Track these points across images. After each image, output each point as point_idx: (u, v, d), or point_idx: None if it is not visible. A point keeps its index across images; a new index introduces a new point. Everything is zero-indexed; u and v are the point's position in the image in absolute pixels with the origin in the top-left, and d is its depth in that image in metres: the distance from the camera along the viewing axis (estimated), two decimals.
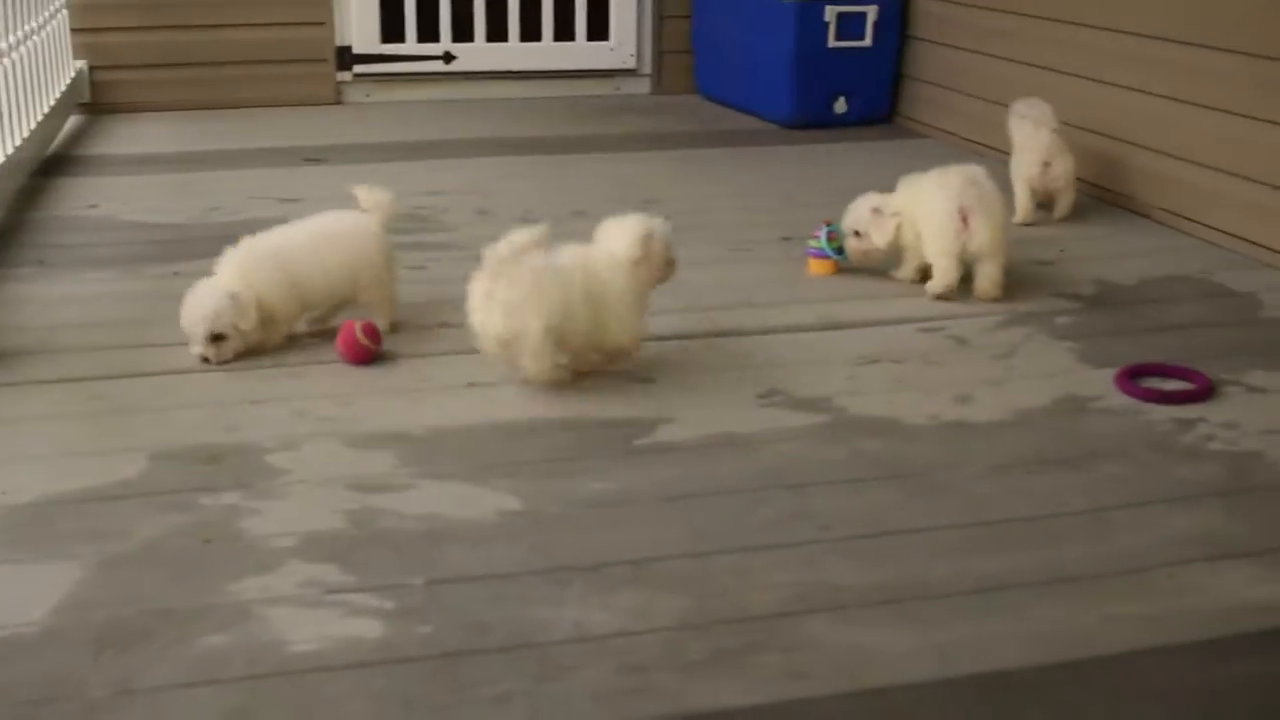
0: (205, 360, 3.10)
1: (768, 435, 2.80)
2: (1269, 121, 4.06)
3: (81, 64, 6.10)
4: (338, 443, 2.74)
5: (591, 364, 3.07)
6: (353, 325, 3.16)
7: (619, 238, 3.08)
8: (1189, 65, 4.40)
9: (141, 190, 4.78)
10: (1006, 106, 5.16)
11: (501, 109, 6.50)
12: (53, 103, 5.32)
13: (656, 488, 2.56)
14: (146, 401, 2.93)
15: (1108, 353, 3.31)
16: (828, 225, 3.88)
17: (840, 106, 6.09)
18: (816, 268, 3.92)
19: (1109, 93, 4.80)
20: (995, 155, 5.28)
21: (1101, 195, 4.80)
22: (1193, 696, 1.99)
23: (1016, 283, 3.77)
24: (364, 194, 3.36)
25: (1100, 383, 3.13)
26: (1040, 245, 4.23)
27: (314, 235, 3.28)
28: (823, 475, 2.62)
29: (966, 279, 3.67)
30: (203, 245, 3.67)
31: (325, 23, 6.44)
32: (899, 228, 3.72)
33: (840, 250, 3.88)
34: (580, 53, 6.85)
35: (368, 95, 6.60)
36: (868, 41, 5.99)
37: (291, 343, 3.27)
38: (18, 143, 4.58)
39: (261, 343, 3.18)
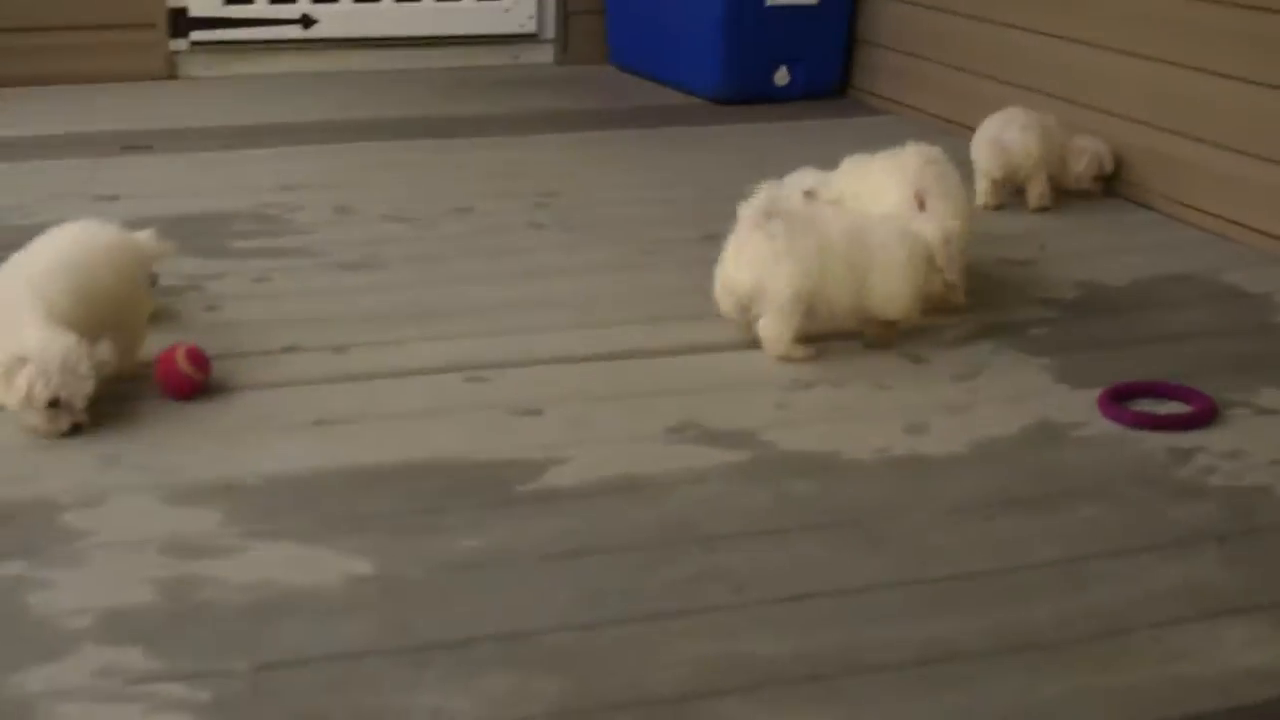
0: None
1: (677, 477, 2.80)
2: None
3: None
4: (152, 496, 2.71)
5: (874, 335, 3.43)
6: (175, 351, 3.13)
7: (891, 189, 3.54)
8: (1193, 22, 4.47)
9: None
10: (982, 76, 5.22)
11: (372, 84, 6.48)
12: None
13: (539, 544, 2.55)
14: None
15: (1091, 370, 3.35)
16: None
17: (781, 77, 6.13)
18: None
19: (1101, 57, 4.86)
20: (965, 133, 5.33)
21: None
22: None
23: (985, 286, 3.81)
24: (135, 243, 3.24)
25: (1081, 406, 3.16)
26: (1016, 241, 4.28)
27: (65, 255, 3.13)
28: (741, 525, 2.63)
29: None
30: None
31: None
32: None
33: None
34: (469, 14, 6.86)
35: (208, 68, 6.56)
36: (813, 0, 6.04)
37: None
38: None
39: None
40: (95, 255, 3.13)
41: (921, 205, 3.61)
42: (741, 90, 6.09)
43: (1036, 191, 4.55)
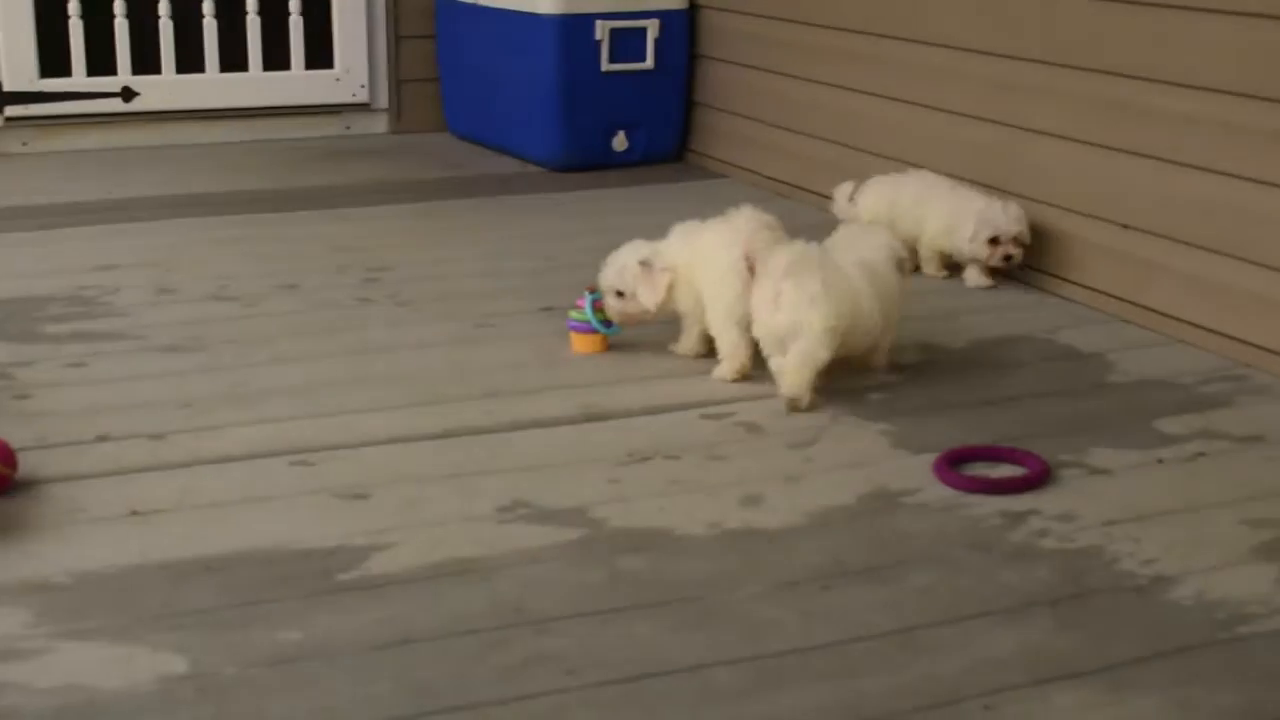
0: None
1: (507, 559, 2.81)
2: (1122, 150, 4.26)
3: None
4: None
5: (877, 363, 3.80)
6: None
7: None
8: (1028, 85, 4.61)
9: None
10: (816, 138, 5.33)
11: (198, 157, 6.44)
12: None
13: (363, 635, 2.53)
14: None
15: (928, 435, 3.41)
16: (591, 293, 3.93)
17: (619, 143, 6.20)
18: (580, 345, 3.97)
19: (932, 119, 4.99)
20: (805, 197, 5.43)
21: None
22: None
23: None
24: None
25: (917, 472, 3.22)
26: None
27: None
28: (573, 606, 2.63)
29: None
30: None
31: None
32: (672, 287, 3.78)
33: (609, 323, 3.93)
34: (298, 84, 6.85)
35: (24, 144, 6.48)
36: (649, 63, 6.13)
37: None
38: None
39: None
40: None
41: (752, 270, 3.66)
42: (580, 157, 6.15)
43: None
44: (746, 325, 3.69)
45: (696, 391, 3.68)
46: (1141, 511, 3.04)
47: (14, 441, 3.13)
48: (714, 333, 3.75)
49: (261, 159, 6.43)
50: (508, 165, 6.35)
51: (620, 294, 3.83)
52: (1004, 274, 4.58)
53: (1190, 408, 3.61)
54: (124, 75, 6.59)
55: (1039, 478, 3.17)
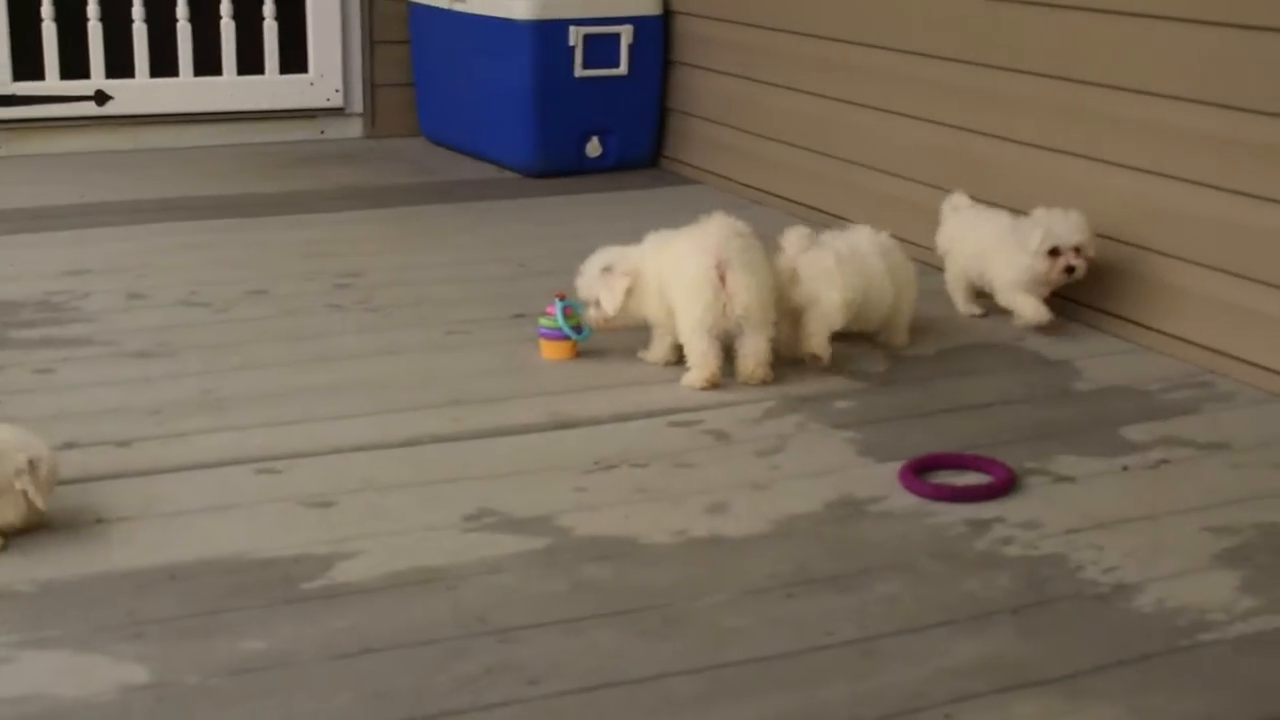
0: None
1: (472, 568, 2.80)
2: (1090, 158, 4.27)
3: None
4: None
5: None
6: None
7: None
8: (987, 92, 4.62)
9: None
10: (790, 145, 5.34)
11: (171, 161, 6.43)
12: None
13: (326, 644, 2.53)
14: None
15: (894, 443, 3.42)
16: (562, 299, 3.93)
17: (593, 149, 6.20)
18: (551, 352, 3.97)
19: (900, 125, 5.00)
20: (778, 203, 5.44)
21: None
22: None
23: (790, 361, 3.87)
24: None
25: (883, 480, 3.23)
26: None
27: None
28: (536, 615, 2.63)
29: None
30: None
31: None
32: (631, 293, 3.79)
33: (579, 329, 3.93)
34: (273, 89, 6.84)
35: None
36: (623, 69, 6.13)
37: None
38: None
39: None
40: None
41: (723, 278, 3.66)
42: (554, 163, 6.15)
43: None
44: (717, 333, 3.70)
45: (665, 399, 3.68)
46: (1105, 519, 3.05)
47: None
48: (683, 340, 3.75)
49: (235, 163, 6.42)
50: (482, 170, 6.35)
51: (598, 303, 3.84)
52: (1059, 297, 4.22)
53: (1155, 415, 3.63)
54: (97, 78, 6.57)
55: (1004, 485, 3.18)
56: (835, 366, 3.87)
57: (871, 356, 4.00)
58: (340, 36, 6.86)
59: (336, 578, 2.76)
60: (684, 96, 6.25)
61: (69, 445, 3.33)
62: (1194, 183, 3.97)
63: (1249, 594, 2.75)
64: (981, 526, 3.02)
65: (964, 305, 4.38)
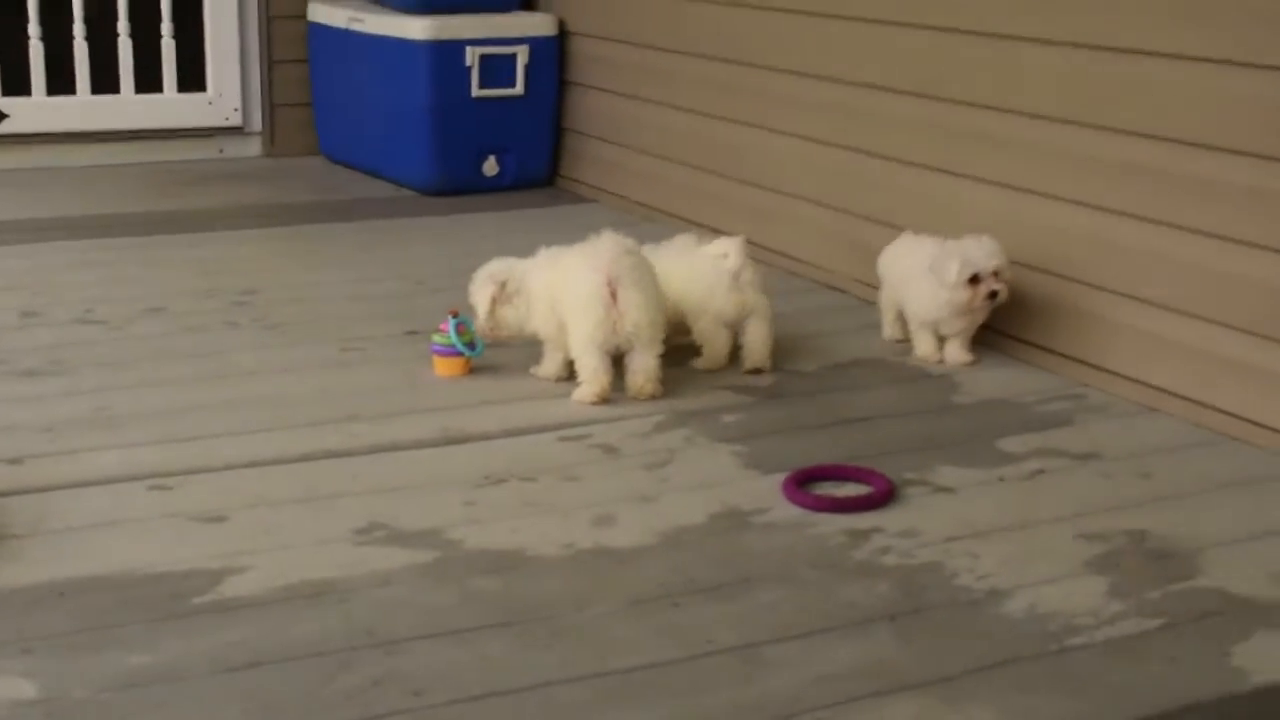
0: None
1: (361, 581, 2.80)
2: (971, 178, 4.34)
3: None
4: None
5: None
6: None
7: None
8: (869, 110, 4.69)
9: None
10: (681, 164, 5.38)
11: (68, 181, 6.36)
12: None
13: (213, 657, 2.52)
14: None
15: (778, 455, 3.46)
16: (455, 316, 3.94)
17: (490, 168, 6.21)
18: (444, 368, 3.97)
19: (789, 144, 5.05)
20: (671, 221, 5.48)
21: (784, 265, 5.02)
22: None
23: (679, 375, 3.91)
24: None
25: (766, 492, 3.26)
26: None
27: None
28: (423, 627, 2.64)
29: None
30: None
31: None
32: (508, 302, 3.83)
33: (472, 344, 3.94)
34: (171, 107, 6.79)
35: None
36: (519, 89, 6.15)
37: None
38: None
39: None
40: None
41: (614, 295, 3.69)
42: (451, 181, 6.15)
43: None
44: (608, 349, 3.72)
45: (555, 414, 3.70)
46: (981, 528, 3.11)
47: None
48: (575, 356, 3.77)
49: (132, 183, 6.36)
50: (380, 189, 6.34)
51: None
52: (986, 326, 4.14)
53: (1031, 426, 3.69)
54: None
55: (884, 496, 3.22)
56: (721, 380, 3.92)
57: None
58: (239, 55, 6.81)
59: (226, 592, 2.75)
60: (579, 116, 6.28)
61: None
62: (1059, 198, 4.04)
63: (1117, 599, 2.81)
64: (861, 536, 3.06)
65: (888, 329, 4.32)
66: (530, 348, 3.94)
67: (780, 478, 3.30)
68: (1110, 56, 3.87)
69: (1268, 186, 3.51)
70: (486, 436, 3.56)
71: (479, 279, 3.89)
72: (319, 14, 6.67)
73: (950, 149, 4.40)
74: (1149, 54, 3.77)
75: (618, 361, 3.79)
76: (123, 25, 6.62)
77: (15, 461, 3.33)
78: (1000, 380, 4.02)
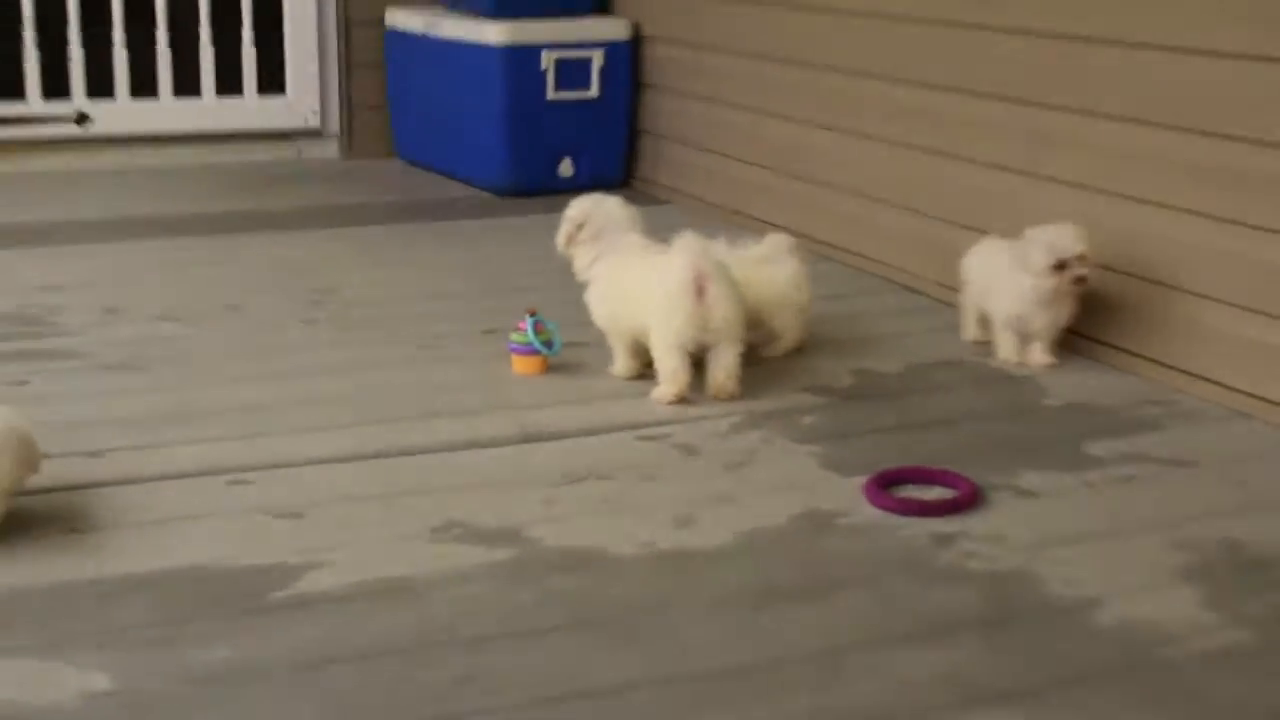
0: None
1: (440, 578, 2.74)
2: (1044, 177, 4.25)
3: None
4: None
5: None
6: None
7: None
8: (951, 114, 4.59)
9: None
10: (756, 165, 5.30)
11: (151, 181, 6.36)
12: None
13: (292, 653, 2.46)
14: None
15: (860, 457, 3.37)
16: (532, 315, 3.88)
17: (566, 170, 6.16)
18: (522, 366, 3.91)
19: (866, 147, 4.97)
20: (746, 223, 5.40)
21: (860, 265, 4.94)
22: None
23: (757, 375, 3.83)
24: None
25: (848, 494, 3.18)
26: None
27: None
28: (502, 626, 2.57)
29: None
30: None
31: None
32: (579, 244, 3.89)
33: (550, 344, 3.88)
34: (250, 110, 6.79)
35: None
36: (594, 92, 6.09)
37: None
38: None
39: None
40: None
41: (702, 292, 3.60)
42: (526, 183, 6.10)
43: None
44: (692, 347, 3.65)
45: (633, 413, 3.63)
46: (1068, 534, 3.01)
47: None
48: (656, 355, 3.69)
49: (212, 183, 6.36)
50: (456, 191, 6.30)
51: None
52: (1070, 330, 4.05)
53: (1119, 431, 3.58)
54: (79, 99, 6.51)
55: (969, 500, 3.13)
56: (798, 381, 3.84)
57: (836, 372, 3.95)
58: (317, 58, 6.81)
59: (303, 588, 2.70)
60: (653, 118, 6.22)
61: (45, 456, 3.25)
62: (1144, 200, 3.93)
63: (1210, 610, 2.70)
64: (945, 541, 2.96)
65: (970, 331, 4.22)
66: (609, 348, 3.87)
67: (861, 480, 3.21)
68: (1205, 60, 3.77)
69: None
70: (564, 435, 3.49)
71: (565, 213, 3.96)
72: (396, 19, 6.65)
73: (1032, 151, 4.30)
74: (1226, 56, 3.67)
75: (696, 363, 3.71)
76: (205, 29, 6.61)
77: (95, 455, 3.29)
78: (1085, 384, 3.91)
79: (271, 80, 6.80)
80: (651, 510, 3.08)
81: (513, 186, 6.10)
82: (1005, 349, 4.05)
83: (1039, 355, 4.02)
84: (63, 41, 6.44)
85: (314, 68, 6.81)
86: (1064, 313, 3.99)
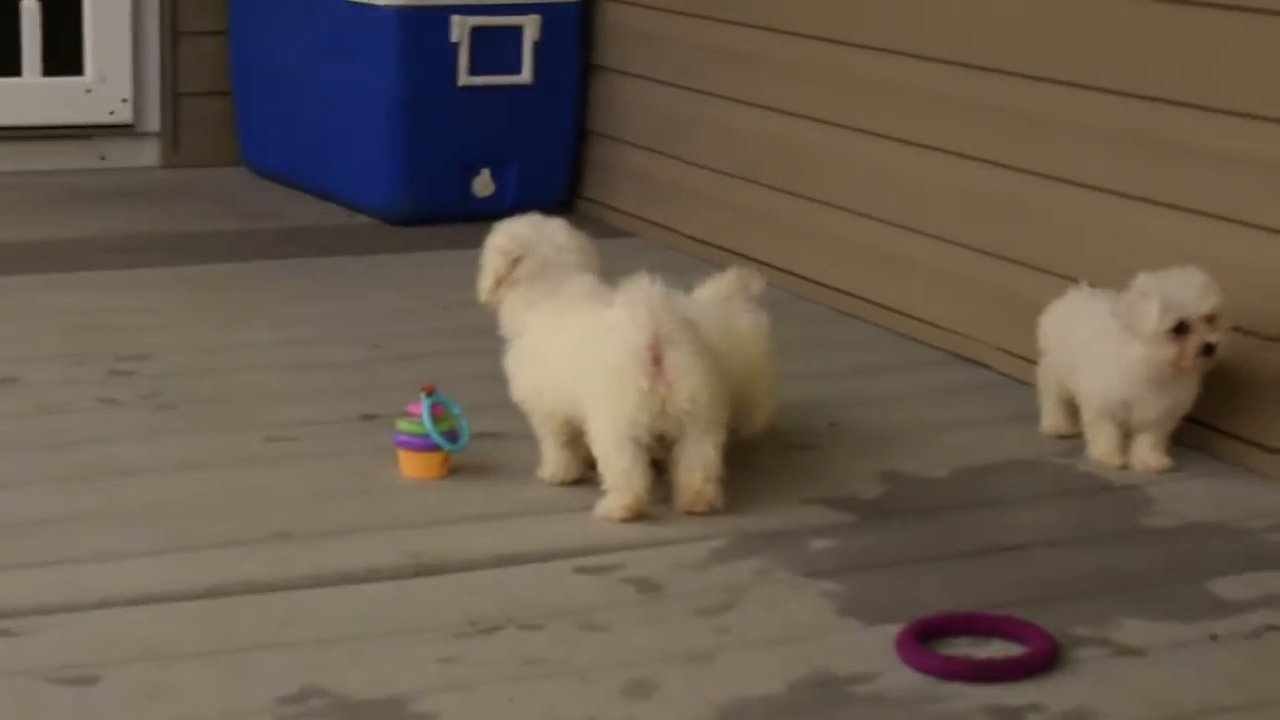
0: None
1: None
2: (1161, 203, 4.32)
3: None
4: None
5: None
6: None
7: None
8: (1029, 112, 4.68)
9: None
10: (756, 184, 5.36)
11: None
12: None
13: None
14: None
15: (889, 598, 3.42)
16: (429, 394, 3.92)
17: (484, 187, 6.22)
18: (413, 467, 3.96)
19: (908, 157, 5.05)
20: (732, 262, 5.45)
21: (898, 327, 5.00)
22: None
23: (749, 479, 3.87)
24: None
25: (874, 650, 3.21)
26: (797, 414, 4.35)
27: None
28: None
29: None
30: None
31: None
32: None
33: (454, 435, 3.92)
34: (35, 97, 6.85)
35: None
36: (525, 76, 6.18)
37: None
38: None
39: None
40: None
41: (658, 362, 3.64)
42: (426, 205, 6.18)
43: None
44: (648, 440, 3.69)
45: (572, 535, 3.68)
46: (1186, 708, 3.05)
47: None
48: (598, 452, 3.73)
49: None
50: (327, 215, 6.37)
51: None
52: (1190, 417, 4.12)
53: (1258, 563, 3.64)
54: None
55: (1044, 659, 3.17)
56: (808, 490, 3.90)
57: (860, 476, 4.01)
58: (130, 25, 6.86)
59: None
60: (611, 115, 6.28)
61: None
62: None
63: None
64: (1012, 717, 3.01)
65: (1050, 419, 4.29)
66: (534, 444, 3.92)
67: (893, 630, 3.26)
68: None
69: None
70: (472, 566, 3.53)
71: (490, 243, 3.96)
72: None
73: (1144, 164, 4.36)
74: None
75: (657, 462, 3.75)
76: None
77: None
78: (1212, 494, 3.98)
79: (63, 55, 6.84)
80: (594, 673, 3.11)
81: (407, 210, 6.18)
82: (1100, 445, 4.12)
83: (1149, 455, 4.08)
84: None
85: (125, 37, 6.86)
86: (1185, 395, 4.05)
